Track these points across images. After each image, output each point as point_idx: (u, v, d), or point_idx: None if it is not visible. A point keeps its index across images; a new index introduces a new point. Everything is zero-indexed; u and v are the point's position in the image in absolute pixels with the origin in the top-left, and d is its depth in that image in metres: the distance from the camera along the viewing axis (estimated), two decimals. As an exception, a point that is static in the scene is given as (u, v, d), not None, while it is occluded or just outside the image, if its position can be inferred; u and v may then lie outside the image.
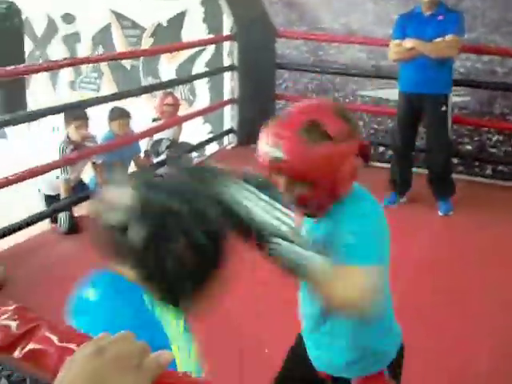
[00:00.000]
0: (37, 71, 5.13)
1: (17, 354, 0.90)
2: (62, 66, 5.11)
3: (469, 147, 5.71)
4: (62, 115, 4.76)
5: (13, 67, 4.13)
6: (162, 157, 5.76)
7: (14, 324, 0.93)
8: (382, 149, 6.05)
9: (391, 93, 5.59)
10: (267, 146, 1.53)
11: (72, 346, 0.86)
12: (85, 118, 4.71)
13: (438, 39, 4.47)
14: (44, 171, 4.34)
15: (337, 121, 1.54)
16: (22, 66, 4.49)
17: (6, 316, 0.95)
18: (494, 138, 5.60)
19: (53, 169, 4.43)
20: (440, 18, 4.49)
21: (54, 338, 0.89)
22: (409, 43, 4.54)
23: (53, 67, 5.10)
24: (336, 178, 1.55)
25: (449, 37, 4.44)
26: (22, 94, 5.77)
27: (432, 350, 3.04)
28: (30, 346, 0.90)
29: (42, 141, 7.33)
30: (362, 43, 5.99)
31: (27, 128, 7.39)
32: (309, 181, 1.53)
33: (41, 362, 0.89)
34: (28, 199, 5.06)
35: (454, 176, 5.01)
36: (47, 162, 4.35)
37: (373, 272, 1.44)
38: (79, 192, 4.76)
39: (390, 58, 4.77)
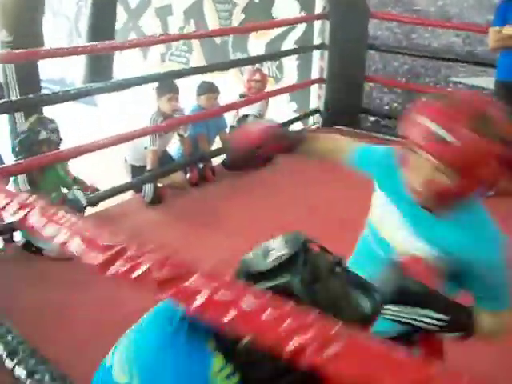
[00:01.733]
0: (127, 47, 5.28)
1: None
2: (154, 43, 5.24)
3: None
4: (150, 86, 4.85)
5: (107, 43, 4.31)
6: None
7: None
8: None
9: (486, 80, 5.39)
10: (433, 123, 1.46)
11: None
12: (176, 91, 4.78)
13: (541, 26, 4.26)
14: (133, 137, 4.45)
15: (505, 121, 1.49)
16: (114, 42, 4.61)
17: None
18: None
19: (141, 136, 4.53)
20: (545, 1, 4.27)
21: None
22: (509, 30, 4.34)
23: (144, 43, 5.24)
24: (483, 179, 1.50)
25: (552, 23, 4.23)
26: (109, 64, 5.92)
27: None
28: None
29: (128, 110, 7.50)
30: (459, 29, 5.79)
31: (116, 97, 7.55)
32: (461, 172, 1.46)
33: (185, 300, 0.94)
34: (113, 167, 5.19)
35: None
36: (136, 129, 4.46)
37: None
38: (165, 164, 4.86)
39: (489, 46, 4.58)
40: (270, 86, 7.08)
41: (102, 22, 5.71)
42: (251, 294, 0.87)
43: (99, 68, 5.79)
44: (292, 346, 0.77)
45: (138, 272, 1.00)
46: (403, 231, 1.68)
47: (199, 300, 0.89)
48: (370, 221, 1.82)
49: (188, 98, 5.26)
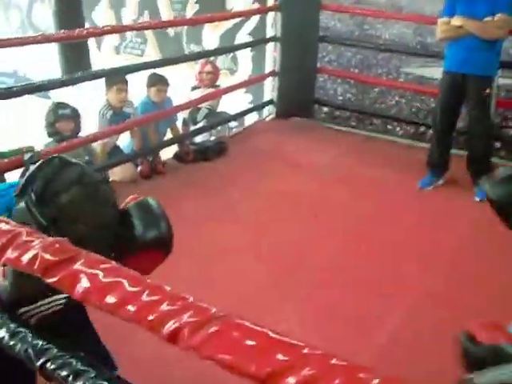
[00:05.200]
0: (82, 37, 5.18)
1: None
2: (105, 33, 5.13)
3: (513, 131, 5.54)
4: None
5: (60, 33, 4.26)
6: (200, 125, 5.74)
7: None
8: (422, 128, 5.91)
9: (436, 71, 5.45)
10: None
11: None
12: (124, 83, 4.73)
13: (488, 18, 4.29)
14: (87, 142, 4.44)
15: None
16: (68, 31, 4.46)
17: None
18: (541, 123, 5.41)
19: (95, 140, 4.51)
20: (492, -6, 4.30)
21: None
22: (457, 21, 4.36)
23: (96, 34, 5.14)
24: None
25: (498, 16, 4.25)
26: (86, 56, 5.82)
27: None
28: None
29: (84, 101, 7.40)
30: (409, 20, 5.83)
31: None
32: None
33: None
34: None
35: (496, 161, 4.86)
36: (90, 133, 4.46)
37: None
38: (114, 157, 4.81)
39: (437, 36, 4.62)
40: (226, 78, 7.06)
41: (67, 8, 5.65)
42: (131, 279, 0.88)
43: (76, 58, 5.70)
44: (169, 328, 0.79)
45: (28, 257, 1.00)
46: None
47: (84, 283, 0.90)
48: None
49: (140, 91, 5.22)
